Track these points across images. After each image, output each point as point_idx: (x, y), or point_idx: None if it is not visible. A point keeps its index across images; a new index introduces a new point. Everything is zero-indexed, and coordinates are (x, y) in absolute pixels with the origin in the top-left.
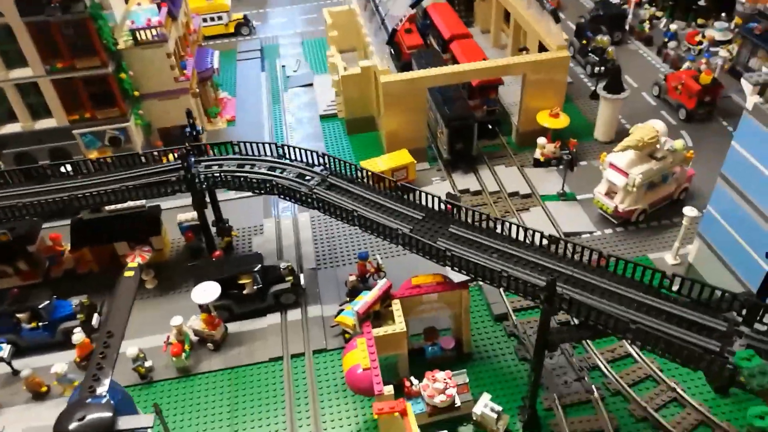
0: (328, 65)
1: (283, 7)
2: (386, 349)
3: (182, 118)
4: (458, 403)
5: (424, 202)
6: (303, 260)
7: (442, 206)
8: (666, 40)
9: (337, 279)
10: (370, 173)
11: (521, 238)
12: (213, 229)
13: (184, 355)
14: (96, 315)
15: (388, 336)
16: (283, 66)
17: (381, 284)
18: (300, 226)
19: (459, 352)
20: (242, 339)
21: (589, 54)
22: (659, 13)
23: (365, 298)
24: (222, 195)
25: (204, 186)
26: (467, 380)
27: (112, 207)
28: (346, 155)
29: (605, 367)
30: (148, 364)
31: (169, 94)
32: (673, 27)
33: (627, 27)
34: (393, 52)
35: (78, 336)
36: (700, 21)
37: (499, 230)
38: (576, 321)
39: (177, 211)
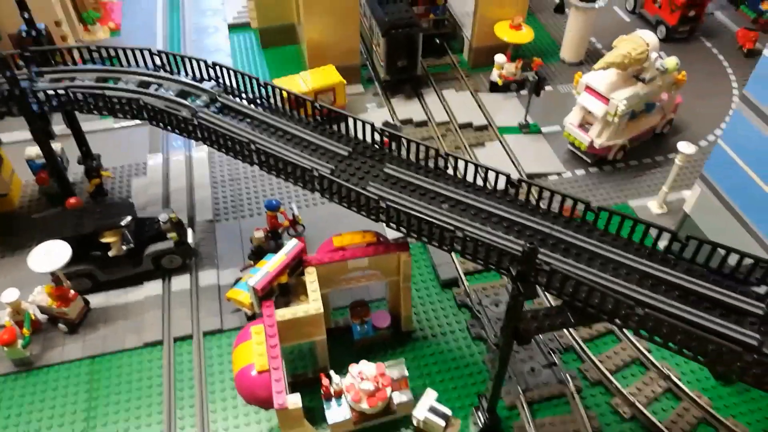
0: None
1: None
2: (296, 336)
3: (44, 20)
4: (394, 405)
5: (352, 133)
6: (197, 210)
7: (377, 138)
8: None
9: (240, 234)
10: (277, 90)
11: (479, 181)
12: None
13: (19, 343)
14: None
15: (298, 320)
16: None
17: (289, 246)
18: (195, 165)
19: (396, 331)
20: (109, 317)
21: None
22: None
23: (265, 268)
24: (93, 124)
25: (45, 107)
26: (406, 373)
27: None
28: (259, 75)
29: (582, 348)
30: None
31: None
32: None
33: None
34: None
35: None
36: None
37: (451, 171)
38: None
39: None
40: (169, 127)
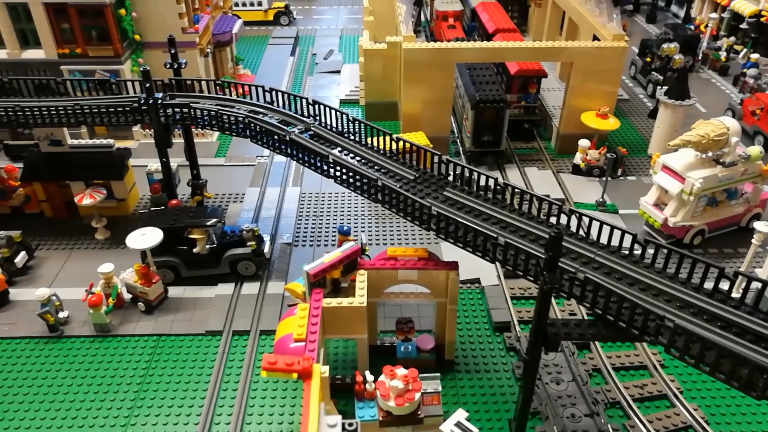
0: (358, 48)
1: (330, 6)
2: (339, 329)
3: (187, 73)
4: (422, 412)
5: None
6: (279, 233)
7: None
8: (745, 70)
9: (313, 258)
10: (363, 125)
11: (535, 212)
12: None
13: (104, 308)
14: (23, 254)
15: (341, 310)
16: (314, 54)
17: (346, 246)
18: (286, 198)
19: (440, 359)
20: (182, 306)
21: (652, 72)
22: (739, 47)
23: (322, 258)
24: (208, 159)
25: (170, 120)
26: (440, 389)
27: (76, 142)
28: None
29: (629, 405)
30: (62, 315)
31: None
32: (754, 57)
33: (700, 55)
34: None
35: None
36: None
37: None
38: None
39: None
40: (266, 145)
